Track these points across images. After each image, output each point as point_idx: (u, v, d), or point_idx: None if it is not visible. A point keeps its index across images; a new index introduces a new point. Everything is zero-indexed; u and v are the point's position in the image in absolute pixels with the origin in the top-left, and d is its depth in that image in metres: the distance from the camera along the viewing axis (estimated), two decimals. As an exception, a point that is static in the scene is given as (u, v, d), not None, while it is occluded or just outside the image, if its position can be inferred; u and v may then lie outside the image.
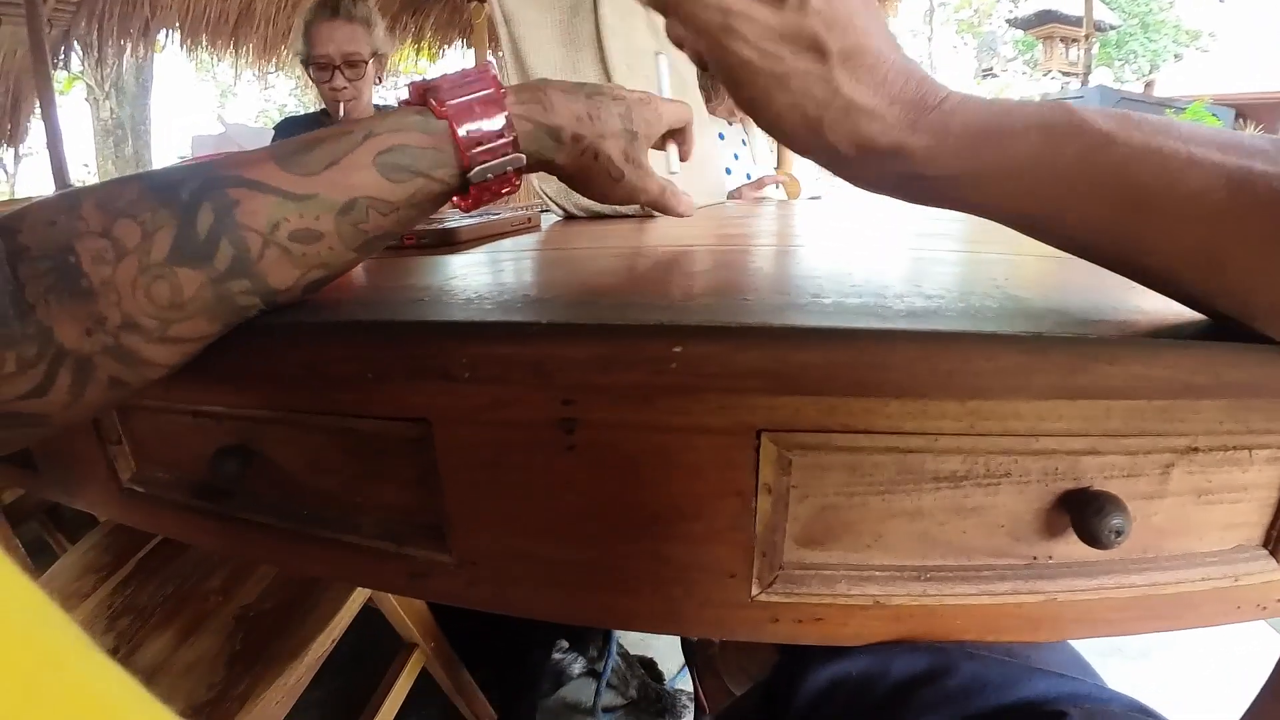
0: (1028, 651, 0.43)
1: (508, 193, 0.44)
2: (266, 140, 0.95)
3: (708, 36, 0.33)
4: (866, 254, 0.49)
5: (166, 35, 4.59)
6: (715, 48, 0.33)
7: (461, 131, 0.39)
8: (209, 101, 18.79)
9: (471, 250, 0.63)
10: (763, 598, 0.36)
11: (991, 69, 16.15)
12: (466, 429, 0.36)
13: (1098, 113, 0.30)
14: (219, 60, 5.18)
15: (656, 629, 0.37)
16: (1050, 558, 0.36)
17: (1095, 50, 14.36)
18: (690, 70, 1.09)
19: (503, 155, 0.41)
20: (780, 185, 1.62)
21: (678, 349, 0.28)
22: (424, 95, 0.40)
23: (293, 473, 0.44)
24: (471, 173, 0.40)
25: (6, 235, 0.32)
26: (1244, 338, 0.30)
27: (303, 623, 0.86)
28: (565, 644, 1.31)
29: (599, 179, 0.47)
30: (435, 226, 0.69)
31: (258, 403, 0.43)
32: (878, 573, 0.36)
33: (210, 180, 0.34)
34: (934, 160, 0.31)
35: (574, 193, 0.89)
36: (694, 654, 1.09)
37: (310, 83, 1.75)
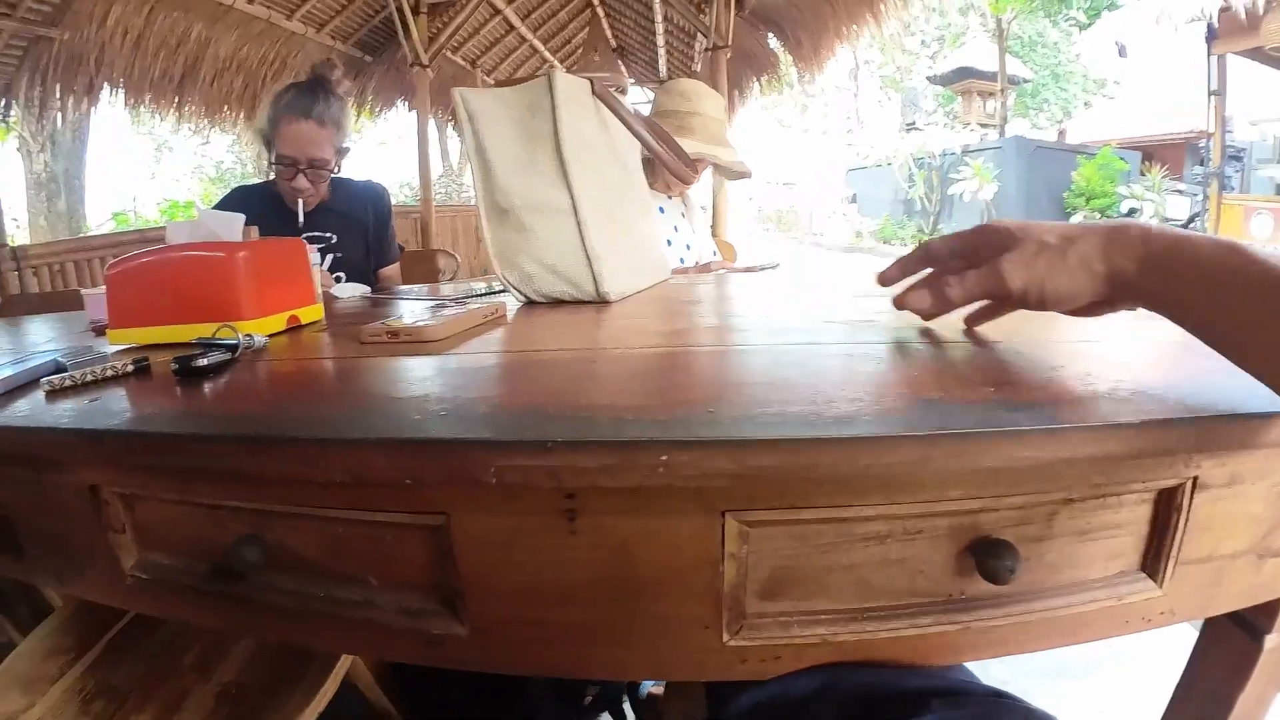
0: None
1: None
2: (238, 228, 0.99)
3: (994, 292, 0.54)
4: (803, 356, 0.59)
5: (111, 92, 4.57)
6: (1002, 293, 0.53)
7: None
8: (144, 156, 18.43)
9: (456, 350, 0.69)
10: (732, 643, 0.44)
11: (914, 123, 16.94)
12: (483, 519, 0.43)
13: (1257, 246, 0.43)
14: (161, 118, 5.16)
15: (647, 676, 0.45)
16: (963, 594, 0.45)
17: (1011, 102, 15.27)
18: (634, 154, 1.19)
19: None
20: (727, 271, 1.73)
21: (664, 457, 0.37)
22: None
23: (310, 558, 0.50)
24: None
25: None
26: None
27: (289, 697, 0.86)
28: None
29: None
30: (413, 324, 0.75)
31: (283, 499, 0.48)
32: (824, 615, 0.44)
33: None
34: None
35: (534, 280, 0.98)
36: (642, 710, 1.16)
37: (268, 160, 1.77)
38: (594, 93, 1.03)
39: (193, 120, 5.28)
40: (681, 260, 1.84)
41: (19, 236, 8.09)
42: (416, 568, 0.47)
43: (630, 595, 0.43)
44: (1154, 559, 0.48)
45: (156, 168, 18.67)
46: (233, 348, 0.72)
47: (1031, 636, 0.47)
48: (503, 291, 1.12)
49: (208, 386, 0.62)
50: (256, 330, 0.82)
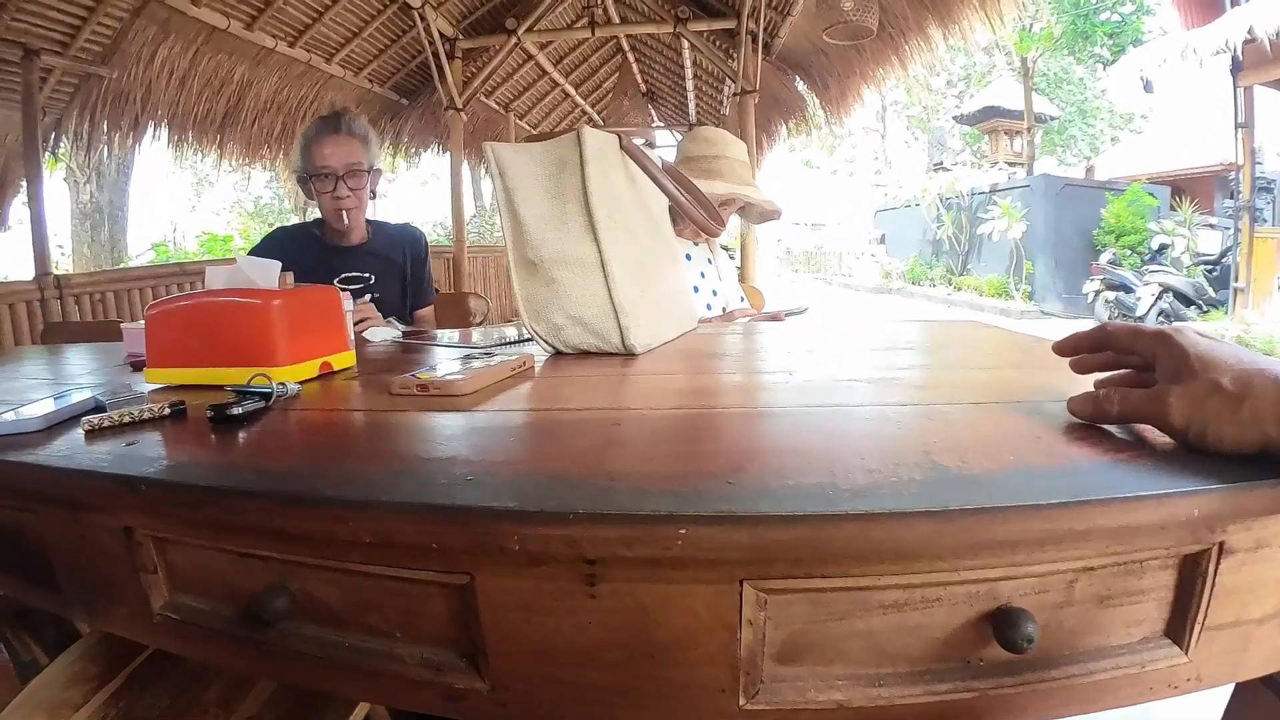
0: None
1: None
2: (275, 273, 1.03)
3: (1150, 419, 0.52)
4: (823, 420, 0.60)
5: (155, 129, 4.72)
6: (1158, 423, 0.51)
7: None
8: (185, 190, 19.01)
9: (483, 406, 0.71)
10: (748, 707, 0.44)
11: (942, 162, 16.95)
12: (506, 580, 0.44)
13: None
14: (203, 155, 5.32)
15: (664, 737, 0.45)
16: (981, 660, 0.45)
17: (1039, 140, 15.25)
18: (661, 205, 1.22)
19: None
20: (752, 319, 1.74)
21: (682, 531, 0.38)
22: None
23: (335, 609, 0.51)
24: None
25: None
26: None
27: (311, 734, 0.86)
28: None
29: None
30: (443, 377, 0.76)
31: (311, 553, 0.50)
32: (840, 681, 0.45)
33: None
34: None
35: (562, 332, 1.00)
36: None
37: (307, 199, 1.84)
38: (621, 148, 1.06)
39: (233, 158, 5.44)
40: (709, 307, 1.85)
41: (64, 264, 8.35)
42: (440, 623, 0.48)
43: (648, 658, 0.44)
44: (1179, 625, 0.48)
45: (197, 201, 19.25)
46: (266, 395, 0.74)
47: (1050, 704, 0.47)
48: (530, 340, 1.14)
49: (242, 435, 0.64)
50: (290, 376, 0.84)
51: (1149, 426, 0.53)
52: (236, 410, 0.68)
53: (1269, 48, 6.12)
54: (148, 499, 0.52)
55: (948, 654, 0.45)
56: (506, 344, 1.18)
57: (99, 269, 7.49)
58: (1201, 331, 0.53)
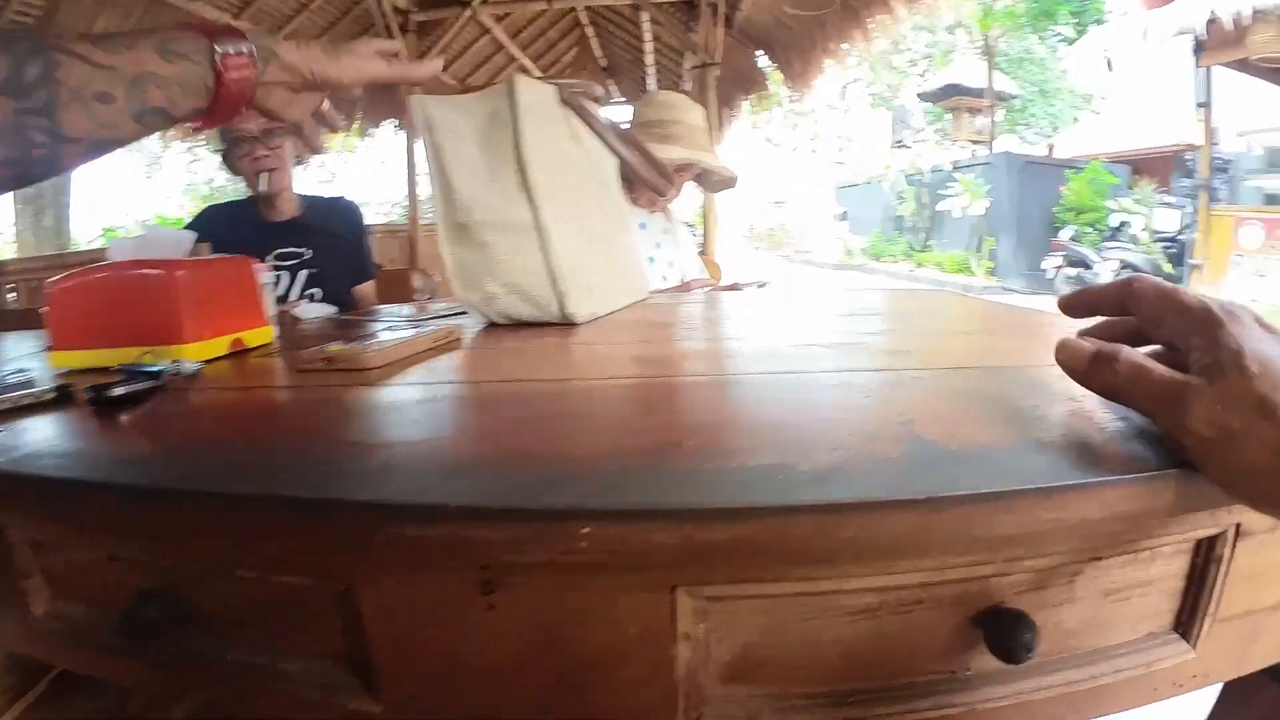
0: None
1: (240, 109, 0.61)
2: (185, 244, 0.94)
3: (1160, 414, 0.37)
4: (782, 388, 0.51)
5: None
6: (1170, 421, 0.36)
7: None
8: (136, 173, 18.39)
9: (393, 380, 0.63)
10: (690, 735, 0.36)
11: (903, 140, 17.03)
12: (390, 587, 0.36)
13: None
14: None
15: (587, 775, 0.37)
16: (969, 669, 0.38)
17: (1000, 118, 15.38)
18: (611, 168, 1.13)
19: (237, 41, 0.58)
20: (710, 288, 1.68)
21: (586, 530, 0.29)
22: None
23: (221, 620, 0.43)
24: (216, 46, 0.56)
25: None
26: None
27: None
28: None
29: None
30: (353, 350, 0.69)
31: (186, 554, 0.42)
32: (802, 700, 0.37)
33: (41, 43, 0.47)
34: None
35: (496, 301, 0.91)
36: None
37: (232, 174, 1.74)
38: (562, 100, 0.96)
39: (177, 133, 5.22)
40: (664, 279, 1.78)
41: (6, 251, 8.02)
42: (327, 637, 0.40)
43: (565, 680, 0.36)
44: (1188, 617, 0.42)
45: (148, 184, 18.62)
46: (156, 375, 0.66)
47: (1048, 714, 0.40)
48: (465, 313, 1.05)
49: (125, 419, 0.56)
50: (198, 354, 0.76)
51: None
52: (118, 392, 0.60)
53: (1231, 28, 6.19)
54: (8, 495, 0.45)
55: (931, 665, 0.37)
56: (443, 317, 1.09)
57: (37, 255, 7.19)
58: (1263, 320, 0.38)
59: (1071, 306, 0.47)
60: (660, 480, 0.33)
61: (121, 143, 0.53)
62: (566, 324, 0.90)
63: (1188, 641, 0.42)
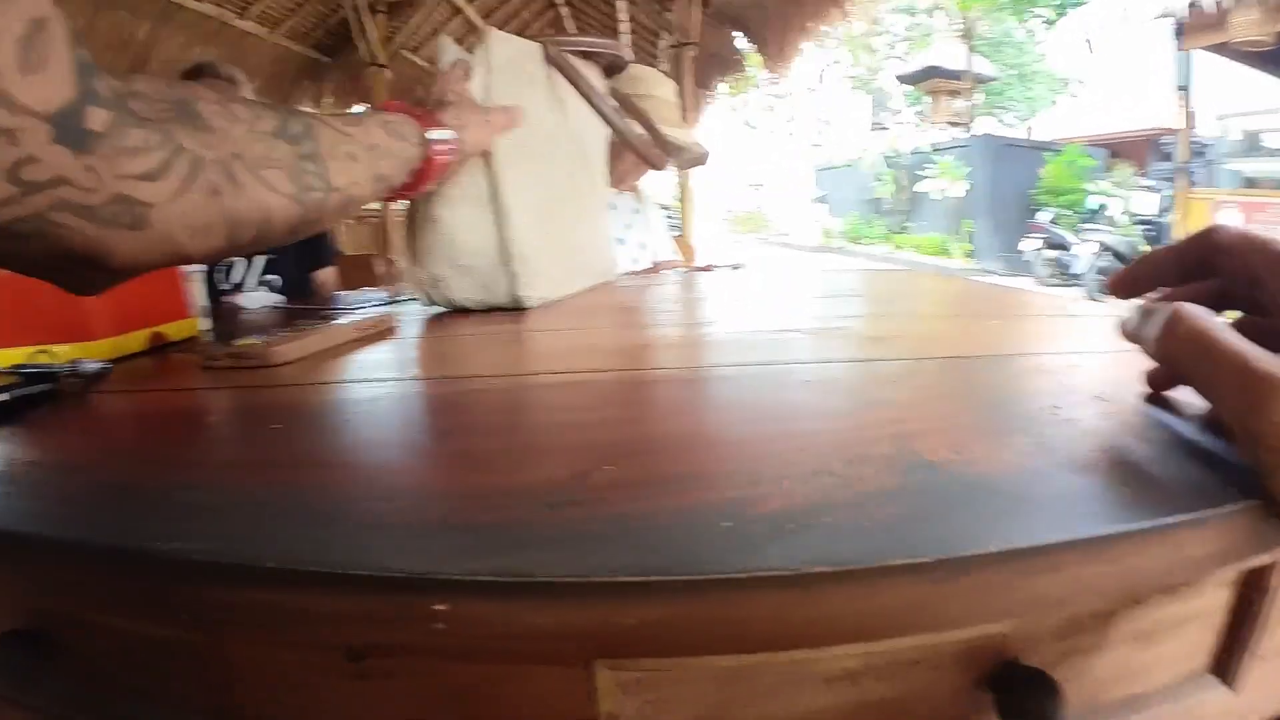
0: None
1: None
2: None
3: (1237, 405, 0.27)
4: (747, 386, 0.43)
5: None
6: (1247, 414, 0.27)
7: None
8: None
9: (302, 379, 0.55)
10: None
11: (881, 122, 16.99)
12: (261, 646, 0.28)
13: None
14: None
15: None
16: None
17: (979, 101, 15.34)
18: (597, 139, 1.04)
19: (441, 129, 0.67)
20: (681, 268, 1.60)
21: (441, 608, 0.21)
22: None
23: (100, 666, 0.35)
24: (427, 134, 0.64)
25: (116, 84, 0.37)
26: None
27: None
28: None
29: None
30: (264, 344, 0.61)
31: (50, 597, 0.34)
32: (768, 783, 0.29)
33: (290, 108, 0.50)
34: None
35: (442, 284, 0.83)
36: None
37: None
38: (548, 58, 0.87)
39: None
40: (635, 261, 1.69)
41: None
42: (205, 692, 0.32)
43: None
44: (1228, 657, 0.34)
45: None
46: (50, 378, 0.57)
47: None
48: (411, 300, 0.96)
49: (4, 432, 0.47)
50: (109, 351, 0.68)
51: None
52: (-3, 399, 0.51)
53: (1213, 11, 6.16)
54: None
55: (929, 735, 0.30)
56: (375, 304, 1.00)
57: None
58: None
59: (1125, 284, 0.37)
60: (557, 533, 0.24)
61: (361, 202, 0.56)
62: (517, 309, 0.82)
63: (1227, 684, 0.35)
